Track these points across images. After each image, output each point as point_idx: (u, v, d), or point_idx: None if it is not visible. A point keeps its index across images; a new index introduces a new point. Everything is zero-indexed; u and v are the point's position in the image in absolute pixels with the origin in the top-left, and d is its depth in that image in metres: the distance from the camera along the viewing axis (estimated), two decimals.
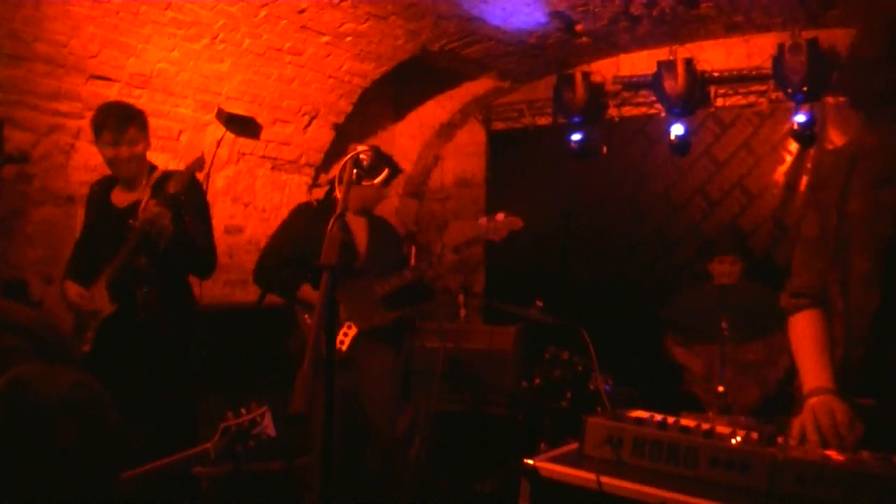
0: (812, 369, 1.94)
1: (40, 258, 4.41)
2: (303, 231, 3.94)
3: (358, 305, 3.84)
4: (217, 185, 5.30)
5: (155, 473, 2.19)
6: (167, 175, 3.43)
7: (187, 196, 3.34)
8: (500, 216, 4.06)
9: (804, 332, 2.04)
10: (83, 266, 3.45)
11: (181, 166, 3.63)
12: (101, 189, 3.55)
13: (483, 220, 4.07)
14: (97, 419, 1.71)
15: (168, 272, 3.35)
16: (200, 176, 4.95)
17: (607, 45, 6.00)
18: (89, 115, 4.48)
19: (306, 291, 3.84)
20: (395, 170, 3.97)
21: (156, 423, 3.21)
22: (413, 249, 6.11)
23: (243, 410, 2.37)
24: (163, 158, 4.76)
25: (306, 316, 3.84)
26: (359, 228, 4.03)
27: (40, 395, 1.66)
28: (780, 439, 1.72)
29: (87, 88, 4.48)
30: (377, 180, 3.64)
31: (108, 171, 4.54)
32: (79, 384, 1.72)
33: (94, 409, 1.71)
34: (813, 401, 1.86)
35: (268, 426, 2.39)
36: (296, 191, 6.06)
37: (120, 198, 3.47)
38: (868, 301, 1.87)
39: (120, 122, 3.35)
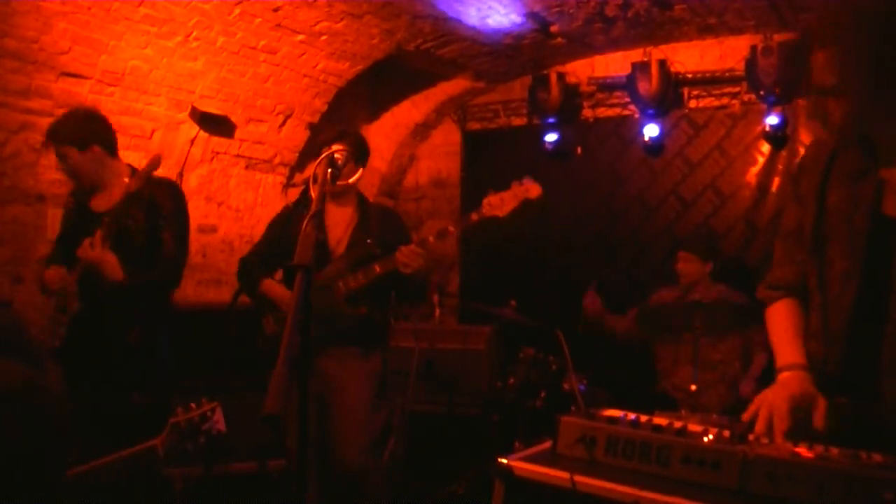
0: (783, 347, 1.98)
1: (9, 258, 4.35)
2: (280, 229, 3.82)
3: (317, 305, 3.64)
4: (191, 185, 5.26)
5: (103, 471, 2.16)
6: (134, 178, 3.42)
7: (167, 206, 3.36)
8: (514, 185, 3.48)
9: (779, 317, 2.07)
10: (62, 260, 3.42)
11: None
12: (80, 196, 3.52)
13: (490, 196, 3.49)
14: (44, 414, 1.67)
15: (139, 277, 3.31)
16: (174, 174, 4.92)
17: (582, 46, 6.04)
18: (60, 112, 4.44)
19: (267, 287, 3.69)
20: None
21: (127, 426, 3.17)
22: None
23: (193, 405, 2.32)
24: (136, 157, 4.71)
25: (269, 316, 3.68)
26: (339, 218, 3.76)
27: (6, 383, 1.63)
28: (751, 437, 1.73)
29: (58, 86, 4.43)
30: (352, 180, 3.58)
31: None
32: (26, 379, 1.67)
33: (41, 404, 1.68)
34: (784, 375, 1.90)
35: (218, 421, 2.33)
36: (270, 190, 6.03)
37: (98, 203, 3.45)
38: (845, 297, 1.86)
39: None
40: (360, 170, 3.71)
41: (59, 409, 1.71)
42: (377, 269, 3.51)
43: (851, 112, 1.76)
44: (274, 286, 3.71)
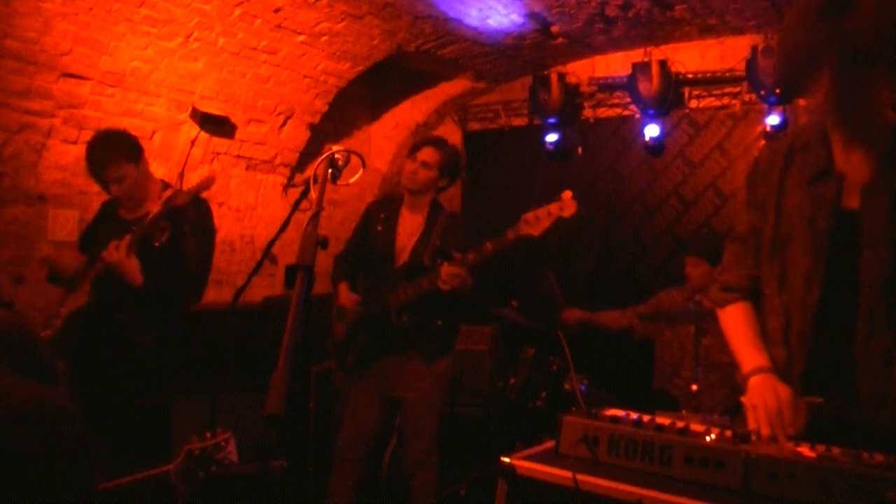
0: (748, 351, 1.98)
1: (11, 258, 4.35)
2: (358, 231, 3.99)
3: (370, 312, 3.72)
4: (191, 185, 5.25)
5: (114, 493, 2.18)
6: (179, 194, 3.42)
7: (194, 220, 3.36)
8: (552, 203, 3.37)
9: (735, 320, 2.08)
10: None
11: (156, 167, 3.60)
12: (111, 205, 3.55)
13: (528, 213, 3.40)
14: (59, 436, 1.68)
15: (156, 284, 3.30)
16: (174, 175, 4.91)
17: (583, 46, 6.03)
18: (61, 113, 4.46)
19: (339, 291, 3.84)
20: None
21: (130, 426, 3.17)
22: None
23: (208, 434, 2.36)
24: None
25: (338, 324, 3.80)
26: (409, 225, 3.82)
27: (12, 402, 1.63)
28: (753, 436, 1.73)
29: (59, 86, 4.42)
30: (352, 180, 3.58)
31: (79, 171, 4.53)
32: (41, 400, 1.68)
33: (56, 426, 1.68)
34: (754, 380, 1.90)
35: (231, 452, 2.38)
36: (270, 191, 6.03)
37: (128, 213, 3.47)
38: (809, 298, 1.87)
39: (100, 164, 3.30)
40: (360, 170, 3.72)
41: (74, 429, 1.71)
42: (424, 284, 3.53)
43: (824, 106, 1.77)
44: (343, 291, 3.81)
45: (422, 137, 3.90)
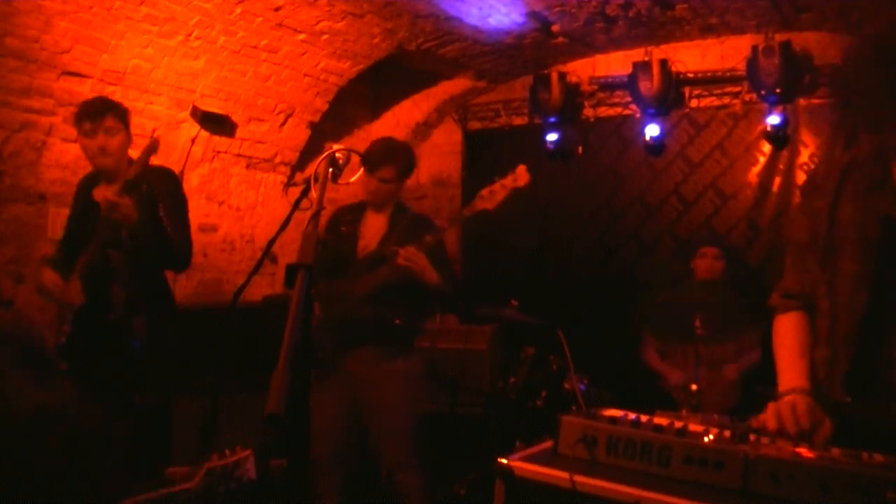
0: (790, 370, 2.03)
1: (11, 257, 4.35)
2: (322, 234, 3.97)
3: (336, 308, 3.71)
4: (191, 184, 5.25)
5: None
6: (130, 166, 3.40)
7: (162, 187, 3.35)
8: (508, 176, 3.46)
9: (788, 333, 2.13)
10: (64, 259, 3.40)
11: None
12: (86, 184, 3.51)
13: (483, 189, 3.50)
14: (77, 430, 1.69)
15: (142, 267, 3.29)
16: (175, 169, 4.91)
17: (583, 45, 6.03)
18: (61, 111, 4.45)
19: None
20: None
21: (130, 426, 3.16)
22: None
23: (228, 452, 2.37)
24: (136, 155, 4.70)
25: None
26: (373, 226, 3.83)
27: (20, 406, 1.64)
28: (752, 437, 1.73)
29: (60, 85, 4.42)
30: (352, 179, 3.58)
31: (79, 170, 4.52)
32: (59, 395, 1.70)
33: (74, 420, 1.70)
34: (787, 399, 1.92)
35: (249, 469, 2.39)
36: (271, 189, 6.03)
37: (101, 193, 3.41)
38: (856, 302, 1.96)
39: (97, 111, 3.33)
40: (361, 169, 3.74)
41: (92, 422, 1.72)
42: (384, 272, 3.56)
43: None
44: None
45: (371, 147, 3.84)
